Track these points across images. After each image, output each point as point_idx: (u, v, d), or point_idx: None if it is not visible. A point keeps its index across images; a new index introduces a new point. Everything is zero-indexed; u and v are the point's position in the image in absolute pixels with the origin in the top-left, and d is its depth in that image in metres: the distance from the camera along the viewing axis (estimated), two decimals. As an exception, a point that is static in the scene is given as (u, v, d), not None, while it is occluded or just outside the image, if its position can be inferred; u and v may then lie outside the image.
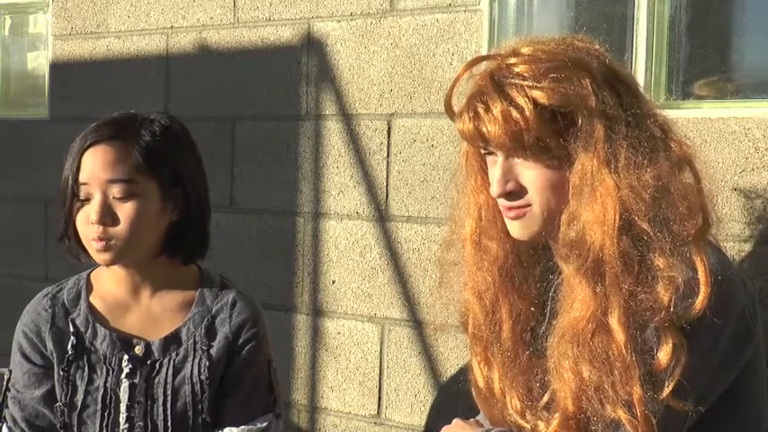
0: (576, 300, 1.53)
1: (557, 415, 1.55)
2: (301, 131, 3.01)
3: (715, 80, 2.38)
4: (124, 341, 1.95)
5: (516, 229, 1.62)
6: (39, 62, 3.79)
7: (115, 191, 1.86)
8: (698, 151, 1.60)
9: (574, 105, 1.52)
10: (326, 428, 2.99)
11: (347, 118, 2.91)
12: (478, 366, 1.74)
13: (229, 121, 3.17)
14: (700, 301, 1.47)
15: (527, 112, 1.51)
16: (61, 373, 1.93)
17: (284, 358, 2.97)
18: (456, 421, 1.78)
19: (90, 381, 1.92)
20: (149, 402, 1.92)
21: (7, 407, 1.96)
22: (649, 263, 1.49)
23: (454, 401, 2.26)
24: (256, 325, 2.00)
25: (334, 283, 2.96)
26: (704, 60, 2.40)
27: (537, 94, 1.52)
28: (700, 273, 1.48)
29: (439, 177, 2.73)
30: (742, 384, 1.58)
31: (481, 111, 1.56)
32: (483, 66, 1.64)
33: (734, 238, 2.21)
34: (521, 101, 1.52)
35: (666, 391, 1.47)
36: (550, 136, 1.53)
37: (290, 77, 3.03)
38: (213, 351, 1.95)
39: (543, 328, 1.64)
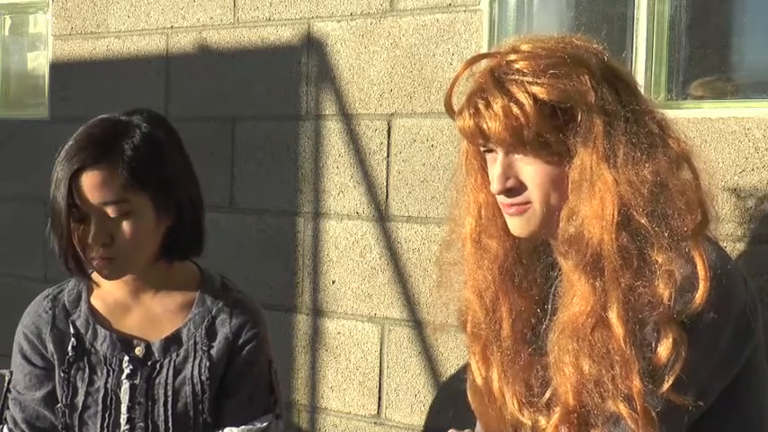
0: (575, 295, 1.53)
1: (557, 409, 1.55)
2: (301, 131, 3.01)
3: (715, 80, 2.37)
4: (124, 342, 1.95)
5: (516, 226, 1.62)
6: (39, 62, 3.79)
7: (109, 210, 1.86)
8: (696, 149, 1.60)
9: (573, 101, 1.52)
10: (326, 428, 2.99)
11: (347, 118, 2.91)
12: (477, 366, 1.74)
13: (229, 121, 3.17)
14: (699, 295, 1.47)
15: (527, 108, 1.52)
16: (62, 374, 1.93)
17: (284, 358, 2.97)
18: None
19: (91, 382, 1.93)
20: (150, 403, 1.92)
21: (8, 408, 1.97)
22: (648, 258, 1.49)
23: (454, 401, 2.25)
24: (257, 325, 2.00)
25: (334, 283, 2.96)
26: (704, 60, 2.40)
27: (537, 89, 1.52)
28: (699, 268, 1.48)
29: (439, 177, 2.72)
30: (743, 381, 1.58)
31: (482, 107, 1.56)
32: (483, 64, 1.64)
33: (733, 238, 2.21)
34: (521, 96, 1.52)
35: (666, 385, 1.47)
36: (550, 131, 1.53)
37: (290, 77, 3.03)
38: (214, 351, 1.95)
39: (544, 325, 1.64)
